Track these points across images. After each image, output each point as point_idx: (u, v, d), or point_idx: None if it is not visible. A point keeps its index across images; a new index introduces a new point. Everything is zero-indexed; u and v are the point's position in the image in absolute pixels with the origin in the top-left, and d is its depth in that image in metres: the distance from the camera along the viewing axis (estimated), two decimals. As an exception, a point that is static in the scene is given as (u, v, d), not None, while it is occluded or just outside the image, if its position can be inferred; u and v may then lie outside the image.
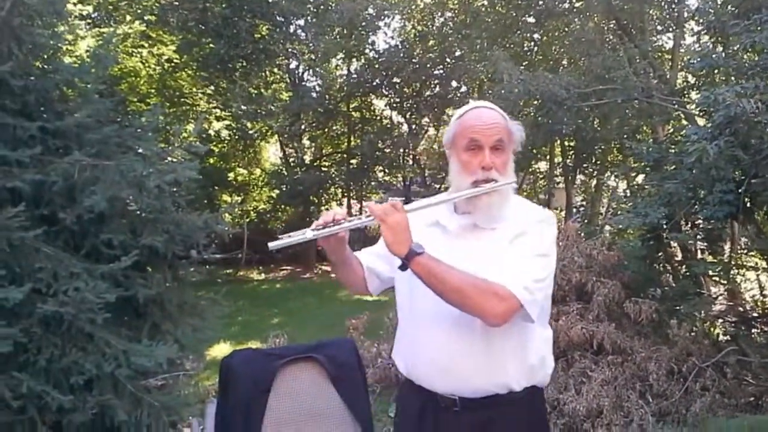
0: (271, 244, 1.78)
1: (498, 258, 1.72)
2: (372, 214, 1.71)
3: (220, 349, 7.65)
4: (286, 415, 2.23)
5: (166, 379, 3.90)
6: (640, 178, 10.09)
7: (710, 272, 6.85)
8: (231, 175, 18.69)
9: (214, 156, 17.29)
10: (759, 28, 5.42)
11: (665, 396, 5.04)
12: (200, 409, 4.12)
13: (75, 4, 10.79)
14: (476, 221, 1.81)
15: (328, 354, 2.35)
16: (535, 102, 9.81)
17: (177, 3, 13.79)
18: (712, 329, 6.72)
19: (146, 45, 14.06)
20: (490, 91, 14.15)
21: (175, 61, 15.17)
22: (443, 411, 1.80)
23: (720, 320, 7.22)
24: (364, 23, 16.84)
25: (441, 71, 17.48)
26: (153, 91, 15.12)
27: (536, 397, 1.86)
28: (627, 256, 6.61)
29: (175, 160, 4.77)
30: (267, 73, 17.27)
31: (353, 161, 19.25)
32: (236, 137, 17.38)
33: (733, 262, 7.63)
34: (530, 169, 15.04)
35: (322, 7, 15.90)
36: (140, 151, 4.39)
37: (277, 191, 18.97)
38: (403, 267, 1.68)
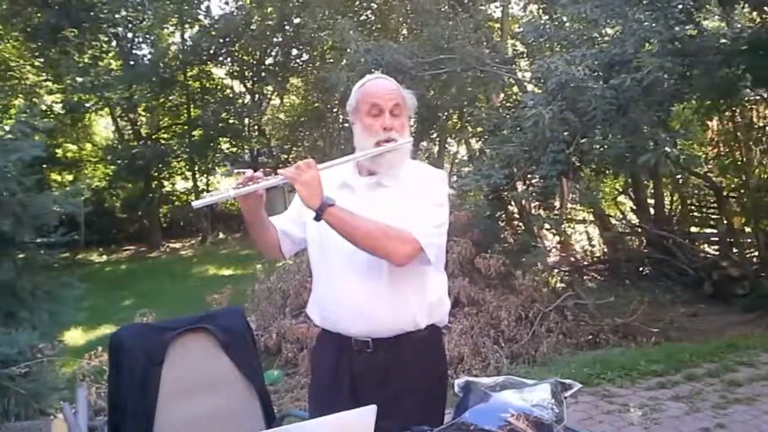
0: (195, 203, 1.91)
1: (400, 211, 1.91)
2: (285, 177, 1.84)
3: (72, 336, 7.25)
4: (181, 385, 2.25)
5: (29, 367, 3.71)
6: (478, 143, 10.71)
7: (546, 226, 7.49)
8: (59, 151, 17.34)
9: (40, 132, 15.99)
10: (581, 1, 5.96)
11: (516, 340, 5.51)
12: (68, 393, 3.96)
13: None
14: (380, 180, 2.01)
15: (217, 323, 2.38)
16: (380, 71, 10.02)
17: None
18: (550, 278, 7.38)
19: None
20: (332, 60, 14.27)
21: (-2, 32, 13.86)
22: (357, 354, 1.97)
23: (556, 270, 7.95)
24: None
25: (281, 39, 17.26)
26: (-25, 64, 13.75)
27: (436, 335, 2.09)
28: (474, 215, 7.05)
29: (14, 138, 4.46)
30: (99, 42, 16.18)
31: (195, 133, 18.57)
32: (65, 111, 16.15)
33: (563, 217, 8.38)
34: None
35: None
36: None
37: (113, 167, 17.90)
38: (317, 218, 1.83)
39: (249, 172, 1.89)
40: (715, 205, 9.28)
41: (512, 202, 7.99)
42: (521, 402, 1.82)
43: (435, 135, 15.57)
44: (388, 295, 1.93)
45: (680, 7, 5.67)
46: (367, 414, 1.52)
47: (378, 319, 1.94)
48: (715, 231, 9.16)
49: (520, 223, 8.39)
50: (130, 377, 2.16)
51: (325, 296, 2.06)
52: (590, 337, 5.95)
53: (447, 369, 2.25)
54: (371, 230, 1.84)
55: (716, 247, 9.00)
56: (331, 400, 1.95)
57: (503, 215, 8.09)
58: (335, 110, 16.00)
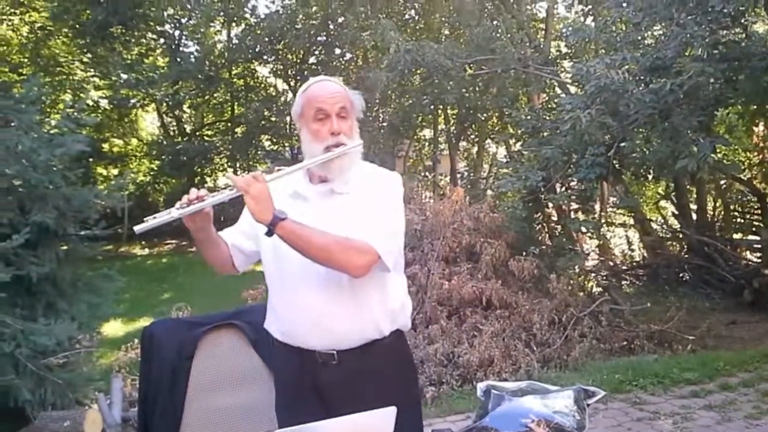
0: (137, 228, 1.76)
1: (355, 218, 1.86)
2: (235, 186, 1.77)
3: (111, 327, 7.44)
4: (210, 380, 2.32)
5: (66, 357, 3.84)
6: (518, 145, 10.66)
7: (583, 229, 7.41)
8: (105, 146, 17.83)
9: (87, 126, 16.51)
10: (625, 4, 5.89)
11: (548, 344, 5.47)
12: (104, 384, 4.07)
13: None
14: (333, 187, 1.94)
15: (246, 319, 2.44)
16: (420, 71, 10.05)
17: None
18: (586, 282, 7.31)
19: (17, 12, 13.11)
20: (373, 60, 14.33)
21: (48, 28, 14.24)
22: (322, 366, 1.90)
23: (593, 274, 7.86)
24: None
25: (324, 38, 17.39)
26: (26, 60, 14.16)
27: (401, 340, 2.04)
28: (509, 217, 7.01)
29: (60, 132, 4.60)
30: (147, 39, 16.56)
31: (238, 130, 18.88)
32: (112, 106, 16.60)
33: (603, 220, 8.28)
34: (416, 137, 15.38)
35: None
36: (14, 124, 4.19)
37: (158, 162, 18.33)
38: (269, 233, 1.76)
39: (194, 192, 1.81)
40: (759, 211, 9.05)
41: (549, 205, 7.93)
42: (543, 408, 1.84)
43: (474, 136, 15.56)
44: (350, 305, 1.88)
45: (726, 11, 5.55)
46: (387, 415, 1.54)
47: (341, 331, 1.88)
48: (757, 238, 8.93)
49: (558, 226, 8.32)
50: (161, 370, 2.23)
51: (283, 310, 1.97)
52: (625, 343, 5.87)
53: (416, 372, 2.18)
54: (326, 243, 1.77)
55: (758, 254, 8.78)
56: (300, 414, 1.84)
57: (540, 218, 8.03)
58: (375, 109, 16.10)
